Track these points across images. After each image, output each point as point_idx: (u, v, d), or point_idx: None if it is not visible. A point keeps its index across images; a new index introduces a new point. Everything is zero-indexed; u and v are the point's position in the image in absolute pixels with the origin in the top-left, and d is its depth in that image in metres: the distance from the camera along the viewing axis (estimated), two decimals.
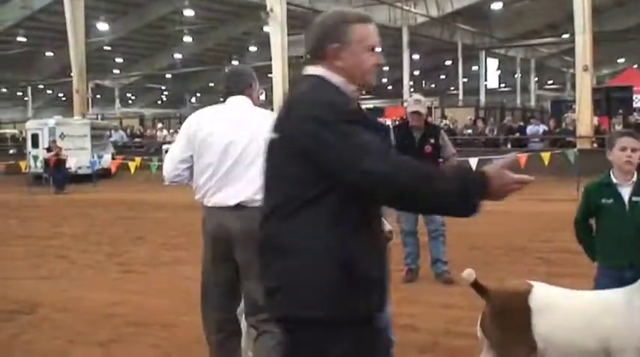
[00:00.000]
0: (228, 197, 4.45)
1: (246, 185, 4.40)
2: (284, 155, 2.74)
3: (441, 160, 8.53)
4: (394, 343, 5.65)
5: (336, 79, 2.80)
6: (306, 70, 2.90)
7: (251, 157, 4.41)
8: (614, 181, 4.61)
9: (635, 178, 4.59)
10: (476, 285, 4.36)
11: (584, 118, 23.85)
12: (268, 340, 4.40)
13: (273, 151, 2.82)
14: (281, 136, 2.77)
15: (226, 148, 4.45)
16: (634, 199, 4.55)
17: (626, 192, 4.57)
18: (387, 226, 4.91)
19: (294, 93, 2.89)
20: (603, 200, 4.63)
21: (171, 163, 4.68)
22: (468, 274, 4.34)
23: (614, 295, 4.13)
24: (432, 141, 8.40)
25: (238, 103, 4.65)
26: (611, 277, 4.57)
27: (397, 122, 10.04)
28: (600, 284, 4.66)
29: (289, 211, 2.70)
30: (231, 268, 4.51)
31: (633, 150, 4.56)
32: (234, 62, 58.89)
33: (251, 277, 4.41)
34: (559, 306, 4.12)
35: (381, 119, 33.17)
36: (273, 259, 2.75)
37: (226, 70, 4.99)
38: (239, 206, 4.41)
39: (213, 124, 4.55)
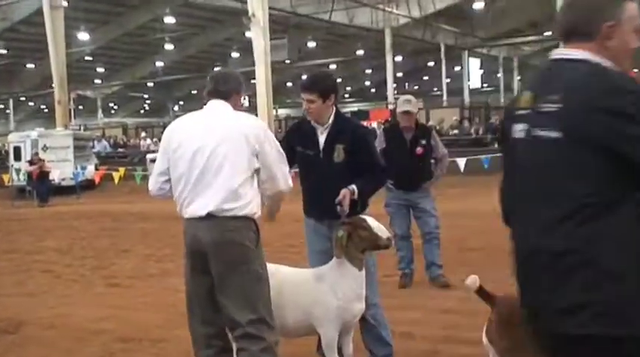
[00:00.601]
0: (199, 208, 4.26)
1: (215, 193, 4.22)
2: (573, 155, 2.44)
3: (432, 161, 8.38)
4: (392, 349, 5.48)
5: (605, 62, 2.51)
6: (564, 53, 2.60)
7: (219, 160, 4.23)
8: None
9: None
10: (481, 292, 4.18)
11: None
12: None
13: (551, 151, 2.49)
14: (563, 133, 2.44)
15: (194, 156, 4.26)
16: None
17: None
18: (386, 232, 4.75)
19: (568, 82, 2.51)
20: None
21: (152, 177, 4.56)
22: (472, 281, 4.17)
23: None
24: (423, 142, 8.18)
25: (218, 107, 4.47)
26: None
27: (385, 125, 9.78)
28: None
29: (587, 216, 2.42)
30: (211, 281, 4.29)
31: None
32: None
33: (225, 290, 4.23)
34: None
35: (365, 122, 33.16)
36: (573, 273, 2.46)
37: (215, 71, 4.78)
38: (209, 216, 4.22)
39: (186, 133, 4.40)
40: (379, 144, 8.07)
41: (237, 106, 4.53)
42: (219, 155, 4.23)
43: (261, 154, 4.32)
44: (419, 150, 8.13)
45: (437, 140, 8.49)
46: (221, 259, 4.21)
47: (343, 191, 4.92)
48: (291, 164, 5.29)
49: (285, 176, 4.51)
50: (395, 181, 8.01)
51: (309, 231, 5.47)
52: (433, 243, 8.33)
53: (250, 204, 4.27)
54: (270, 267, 5.05)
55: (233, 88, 4.52)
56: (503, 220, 2.92)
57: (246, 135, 4.28)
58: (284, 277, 5.00)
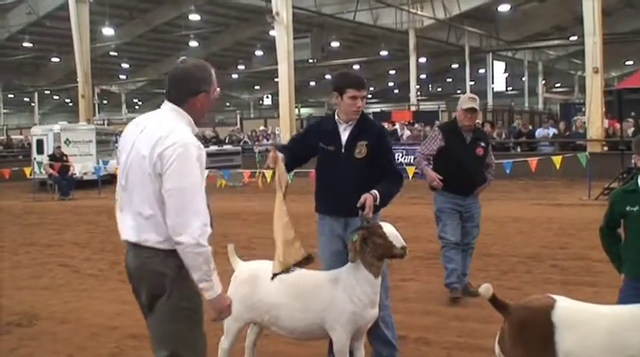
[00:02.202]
0: (122, 232, 3.83)
1: (130, 220, 3.73)
2: None
3: None
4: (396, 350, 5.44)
5: None
6: None
7: (131, 183, 3.71)
8: None
9: None
10: (494, 300, 4.12)
11: (594, 121, 23.60)
12: None
13: None
14: None
15: (120, 174, 3.82)
16: None
17: None
18: (402, 241, 4.68)
19: None
20: (628, 208, 4.36)
21: None
22: (486, 289, 4.11)
23: (639, 311, 3.87)
24: (483, 144, 7.74)
25: (160, 113, 3.82)
26: (637, 288, 4.32)
27: (442, 124, 9.40)
28: (624, 296, 4.42)
29: None
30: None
31: None
32: (240, 67, 59.05)
33: (148, 320, 3.83)
34: (583, 322, 3.88)
35: (387, 123, 33.07)
36: None
37: (173, 68, 3.88)
38: (131, 243, 3.75)
39: (124, 140, 3.86)
40: (434, 143, 7.72)
41: (200, 109, 3.84)
42: (131, 179, 3.73)
43: (164, 178, 3.58)
44: (479, 150, 7.67)
45: (490, 146, 8.08)
46: (143, 288, 3.76)
47: (365, 195, 4.90)
48: (301, 162, 5.34)
49: (185, 219, 3.55)
50: (450, 184, 7.55)
51: (324, 231, 5.41)
52: (468, 253, 7.94)
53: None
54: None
55: (187, 91, 3.77)
56: None
57: (152, 155, 3.59)
58: (298, 279, 4.97)
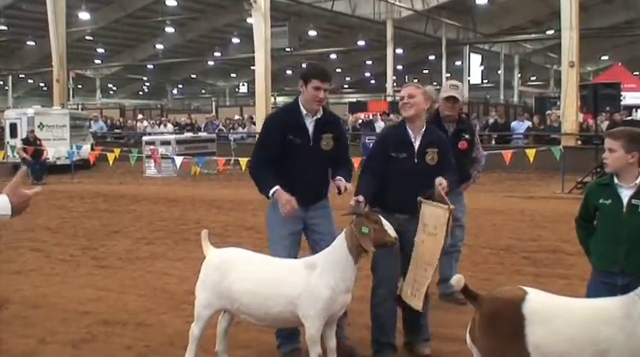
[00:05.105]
0: None
1: None
2: None
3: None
4: None
5: None
6: None
7: None
8: (616, 181, 4.38)
9: (638, 181, 4.34)
10: (466, 291, 4.14)
11: (569, 115, 23.75)
12: None
13: None
14: None
15: None
16: (633, 201, 4.29)
17: (626, 194, 4.32)
18: (392, 232, 4.72)
19: None
20: (601, 200, 4.41)
21: None
22: (457, 280, 4.13)
23: (612, 305, 3.90)
24: (467, 136, 7.01)
25: None
26: (603, 282, 4.37)
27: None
28: (592, 289, 4.46)
29: None
30: None
31: (610, 150, 4.35)
32: (217, 54, 58.73)
33: None
34: (555, 314, 3.89)
35: (363, 114, 33.08)
36: None
37: None
38: None
39: None
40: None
41: None
42: None
43: None
44: (462, 144, 6.94)
45: (478, 138, 7.45)
46: None
47: (338, 182, 5.22)
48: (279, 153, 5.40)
49: None
50: None
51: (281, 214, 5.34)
52: (453, 257, 7.13)
53: None
54: (260, 257, 5.05)
55: None
56: None
57: None
58: (271, 266, 4.97)
